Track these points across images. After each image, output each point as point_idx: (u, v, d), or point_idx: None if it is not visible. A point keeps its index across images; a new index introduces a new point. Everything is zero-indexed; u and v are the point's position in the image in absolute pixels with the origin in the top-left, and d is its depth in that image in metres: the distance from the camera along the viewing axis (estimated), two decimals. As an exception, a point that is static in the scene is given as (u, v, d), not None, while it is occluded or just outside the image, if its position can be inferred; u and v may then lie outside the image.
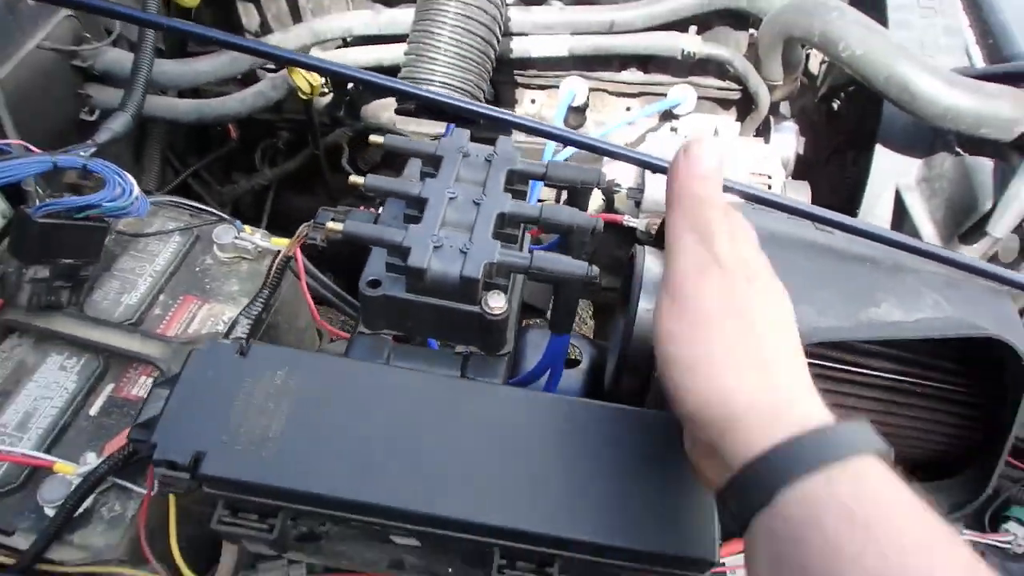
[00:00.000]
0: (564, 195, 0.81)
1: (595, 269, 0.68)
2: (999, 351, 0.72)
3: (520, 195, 0.77)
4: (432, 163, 0.78)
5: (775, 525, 0.42)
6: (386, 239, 0.68)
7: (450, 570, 0.78)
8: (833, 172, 1.42)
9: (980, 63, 1.19)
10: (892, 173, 1.18)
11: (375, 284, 0.69)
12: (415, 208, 0.74)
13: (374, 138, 0.78)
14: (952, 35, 1.21)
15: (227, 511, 0.63)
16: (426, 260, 0.66)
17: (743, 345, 0.47)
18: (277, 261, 0.80)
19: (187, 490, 0.61)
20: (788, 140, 1.32)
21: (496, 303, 0.68)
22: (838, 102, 1.40)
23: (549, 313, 0.75)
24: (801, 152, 1.44)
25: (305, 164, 1.59)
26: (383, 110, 1.49)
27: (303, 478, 0.58)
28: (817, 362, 0.77)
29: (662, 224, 0.95)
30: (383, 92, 0.83)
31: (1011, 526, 0.92)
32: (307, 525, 0.66)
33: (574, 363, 1.11)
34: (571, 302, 0.71)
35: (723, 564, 0.80)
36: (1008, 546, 0.92)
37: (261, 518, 0.63)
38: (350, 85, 1.45)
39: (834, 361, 0.78)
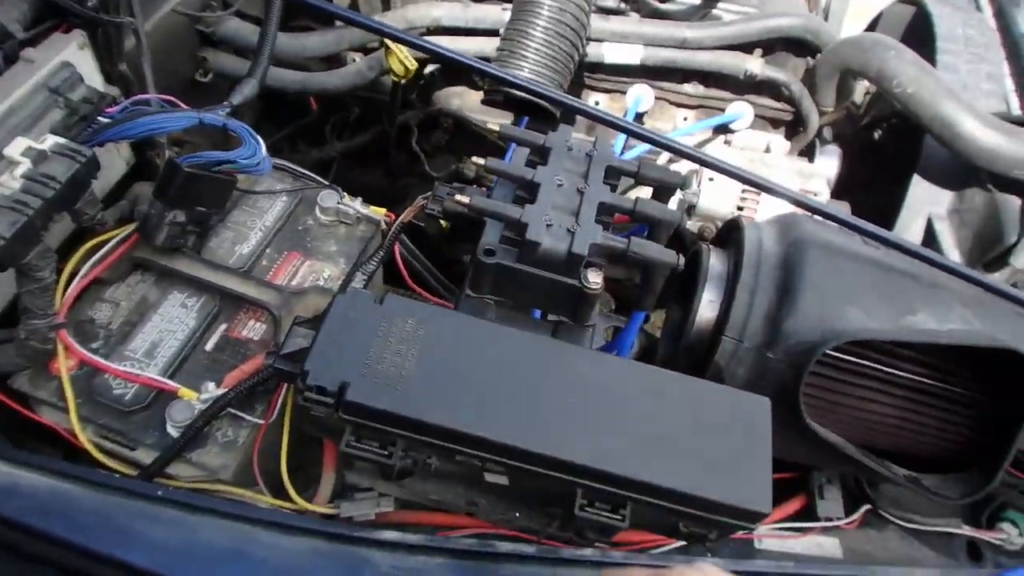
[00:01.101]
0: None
1: (682, 259, 0.79)
2: (1017, 366, 0.83)
3: (613, 188, 0.88)
4: (540, 153, 0.89)
5: None
6: (506, 214, 0.79)
7: (517, 515, 0.89)
8: (870, 195, 1.52)
9: (1017, 110, 1.30)
10: (926, 202, 1.28)
11: (490, 253, 0.79)
12: (526, 191, 0.84)
13: (492, 124, 0.88)
14: (994, 81, 1.32)
15: (353, 436, 0.74)
16: (541, 236, 0.77)
17: None
18: (395, 225, 0.90)
19: (326, 414, 0.71)
20: (832, 163, 1.42)
21: (595, 278, 0.78)
22: (879, 132, 1.51)
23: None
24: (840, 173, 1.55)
25: (371, 140, 1.68)
26: (454, 97, 1.59)
27: (431, 411, 0.69)
28: (855, 360, 0.88)
29: (727, 223, 1.05)
30: (481, 77, 0.92)
31: (1005, 526, 1.04)
32: (414, 457, 0.76)
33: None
34: (657, 284, 0.82)
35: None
36: (1001, 543, 1.03)
37: (381, 445, 0.73)
38: (427, 70, 1.55)
39: (870, 360, 0.89)
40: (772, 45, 1.39)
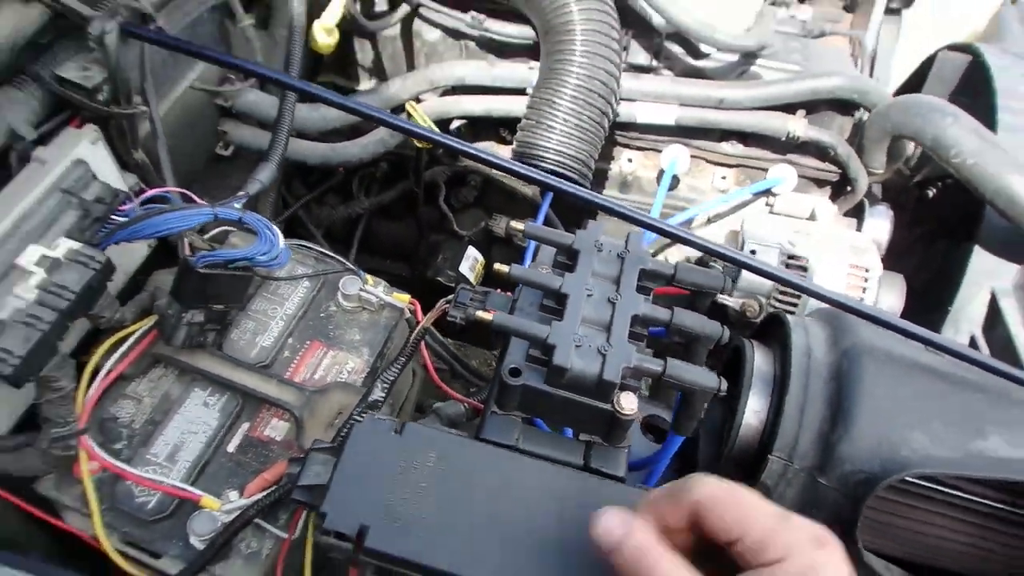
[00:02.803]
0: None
1: (724, 384, 0.73)
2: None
3: (647, 292, 0.82)
4: (568, 255, 0.83)
5: None
6: (532, 334, 0.74)
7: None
8: (922, 255, 1.44)
9: (1087, 170, 1.20)
10: (988, 275, 1.19)
11: (516, 373, 0.74)
12: (554, 300, 0.79)
13: (515, 224, 0.83)
14: (1059, 141, 1.23)
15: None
16: (569, 359, 0.72)
17: None
18: (415, 333, 0.86)
19: (346, 557, 0.67)
20: (883, 225, 1.34)
21: (628, 404, 0.73)
22: (934, 190, 1.42)
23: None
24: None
25: (399, 195, 1.65)
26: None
27: (451, 560, 0.64)
28: (919, 482, 0.80)
29: (770, 317, 0.99)
30: (493, 166, 0.87)
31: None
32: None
33: (661, 432, 1.16)
34: (697, 410, 0.76)
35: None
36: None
37: (408, 588, 0.69)
38: (453, 125, 1.51)
39: (935, 483, 0.81)
40: (816, 104, 1.31)
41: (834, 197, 1.41)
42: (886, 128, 1.21)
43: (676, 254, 1.46)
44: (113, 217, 0.88)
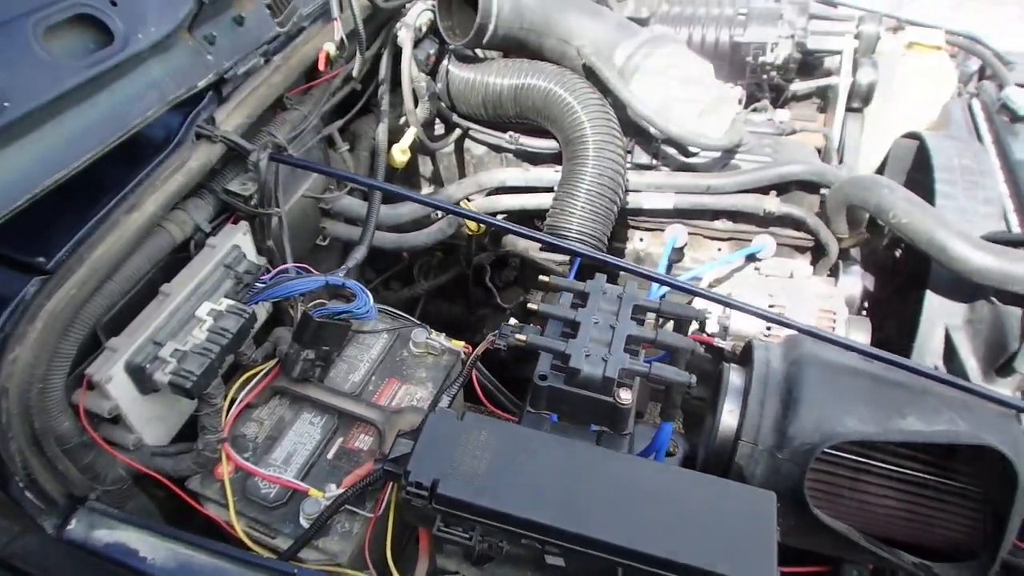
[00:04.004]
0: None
1: (694, 378, 1.00)
2: (1002, 463, 0.97)
3: (641, 322, 1.11)
4: (581, 297, 1.14)
5: None
6: (554, 348, 1.03)
7: (575, 596, 1.06)
8: (898, 306, 1.68)
9: (1017, 228, 1.46)
10: (942, 314, 1.43)
11: (543, 378, 1.03)
12: (570, 328, 1.09)
13: (543, 278, 1.14)
14: (991, 205, 1.49)
15: (442, 523, 0.96)
16: (581, 364, 1.00)
17: None
18: (471, 359, 1.16)
19: (423, 505, 0.94)
20: (854, 281, 1.60)
21: (625, 396, 1.00)
22: (899, 251, 1.68)
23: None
24: (872, 289, 1.72)
25: (452, 278, 2.00)
26: (519, 241, 1.90)
27: (500, 502, 0.91)
28: (858, 459, 1.04)
29: (745, 345, 1.25)
30: (533, 239, 1.20)
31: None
32: (490, 541, 0.97)
33: (670, 454, 1.40)
34: (676, 400, 1.03)
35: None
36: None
37: (464, 531, 0.95)
38: (497, 217, 1.86)
39: (875, 459, 1.04)
40: (787, 186, 1.62)
41: (815, 261, 1.69)
42: (840, 200, 1.50)
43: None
44: (256, 284, 1.23)
